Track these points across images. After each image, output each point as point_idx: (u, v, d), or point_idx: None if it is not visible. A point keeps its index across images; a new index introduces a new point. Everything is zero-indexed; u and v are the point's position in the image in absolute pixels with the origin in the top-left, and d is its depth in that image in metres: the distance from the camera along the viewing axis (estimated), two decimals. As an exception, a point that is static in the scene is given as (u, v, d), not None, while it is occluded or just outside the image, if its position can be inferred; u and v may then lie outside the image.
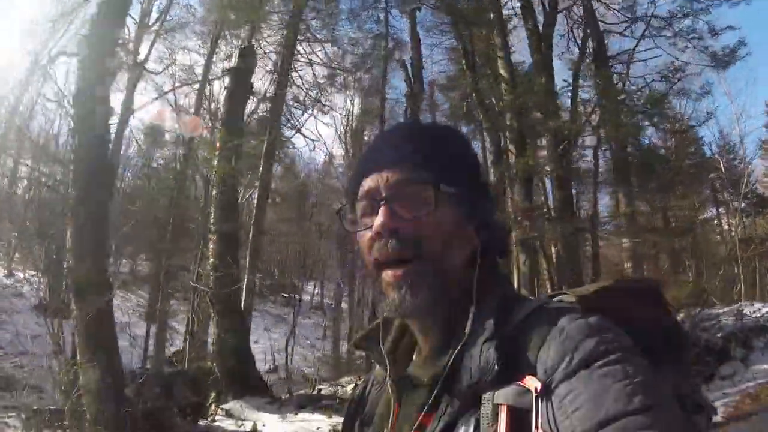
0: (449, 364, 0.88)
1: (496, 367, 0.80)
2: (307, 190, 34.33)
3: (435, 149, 1.00)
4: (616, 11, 17.10)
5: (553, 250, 13.44)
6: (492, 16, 14.41)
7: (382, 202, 0.95)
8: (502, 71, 13.96)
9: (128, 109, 14.05)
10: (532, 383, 0.77)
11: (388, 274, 0.96)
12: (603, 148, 16.46)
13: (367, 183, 1.00)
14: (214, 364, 12.87)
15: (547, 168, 13.29)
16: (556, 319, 0.84)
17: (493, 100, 15.20)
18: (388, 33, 17.08)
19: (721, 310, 13.29)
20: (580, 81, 16.58)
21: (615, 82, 16.04)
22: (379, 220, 0.94)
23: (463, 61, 15.86)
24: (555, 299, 0.94)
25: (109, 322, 8.24)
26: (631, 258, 15.37)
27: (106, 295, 8.29)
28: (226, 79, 11.15)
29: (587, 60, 17.01)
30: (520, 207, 11.92)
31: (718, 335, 11.57)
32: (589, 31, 16.53)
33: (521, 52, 18.56)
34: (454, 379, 0.87)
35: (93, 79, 8.54)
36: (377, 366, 1.11)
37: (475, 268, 0.95)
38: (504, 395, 0.79)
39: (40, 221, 24.70)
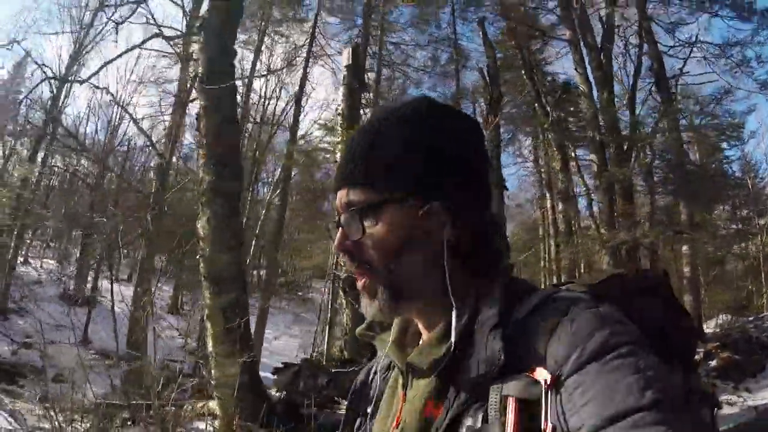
0: (450, 352, 0.87)
1: (502, 357, 0.80)
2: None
3: (373, 154, 0.99)
4: (670, 34, 17.49)
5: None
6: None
7: (337, 224, 1.01)
8: (581, 86, 14.26)
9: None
10: (542, 375, 0.77)
11: (357, 283, 1.01)
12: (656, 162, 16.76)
13: (335, 200, 1.04)
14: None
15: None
16: (566, 309, 0.83)
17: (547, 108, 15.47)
18: (457, 40, 17.36)
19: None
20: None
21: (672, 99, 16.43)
22: (335, 242, 1.01)
23: (522, 72, 16.13)
24: (564, 288, 0.95)
25: (245, 315, 8.15)
26: (688, 263, 15.62)
27: (243, 288, 8.22)
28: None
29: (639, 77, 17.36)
30: (621, 211, 12.28)
31: (764, 334, 13.36)
32: (645, 49, 16.85)
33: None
34: (459, 368, 0.86)
35: (218, 59, 8.51)
36: (381, 353, 1.12)
37: (460, 263, 0.96)
38: (513, 387, 0.79)
39: (71, 212, 24.34)
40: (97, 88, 15.57)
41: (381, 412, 1.06)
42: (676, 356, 0.86)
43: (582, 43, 15.90)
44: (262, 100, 24.46)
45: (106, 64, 15.63)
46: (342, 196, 1.00)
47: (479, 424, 0.80)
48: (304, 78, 18.49)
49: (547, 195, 17.32)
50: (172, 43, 16.14)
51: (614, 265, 13.16)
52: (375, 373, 1.14)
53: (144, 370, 14.32)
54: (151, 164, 26.68)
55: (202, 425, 9.57)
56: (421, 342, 1.03)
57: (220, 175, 8.16)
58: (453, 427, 0.83)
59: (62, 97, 19.64)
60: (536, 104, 15.91)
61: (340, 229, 0.99)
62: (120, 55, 15.41)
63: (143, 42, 15.72)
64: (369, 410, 1.09)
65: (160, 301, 27.89)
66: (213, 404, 10.11)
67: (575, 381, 0.74)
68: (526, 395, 0.77)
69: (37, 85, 18.33)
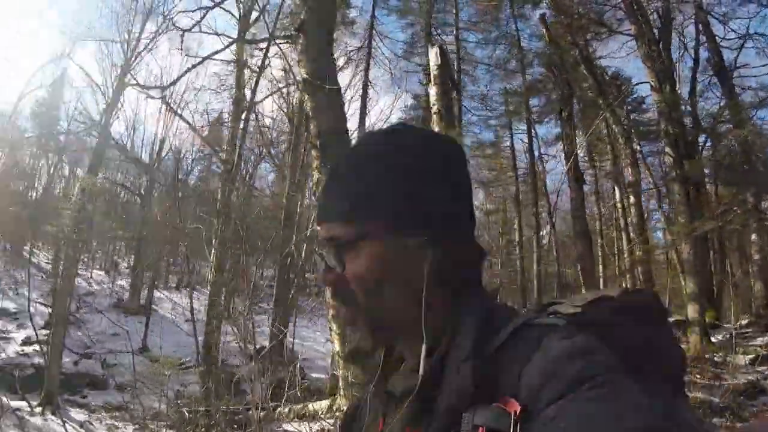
0: (419, 383, 0.88)
1: (471, 388, 0.80)
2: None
3: (350, 189, 0.99)
4: (728, 27, 17.42)
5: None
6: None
7: (321, 258, 1.02)
8: (651, 81, 14.28)
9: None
10: (513, 406, 0.76)
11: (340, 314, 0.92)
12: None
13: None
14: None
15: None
16: (540, 339, 0.81)
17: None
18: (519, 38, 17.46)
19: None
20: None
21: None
22: (319, 275, 1.04)
23: (582, 67, 16.15)
24: (551, 308, 0.92)
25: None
26: (758, 251, 15.51)
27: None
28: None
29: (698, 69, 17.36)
30: (721, 198, 12.35)
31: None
32: (705, 42, 16.84)
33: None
34: (436, 396, 0.86)
35: (320, 60, 8.54)
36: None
37: (442, 294, 0.95)
38: (483, 416, 0.77)
39: (120, 223, 24.59)
40: (154, 98, 15.56)
41: None
42: (664, 381, 0.84)
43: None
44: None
45: (185, 72, 15.58)
46: (323, 230, 1.01)
47: None
48: (366, 80, 18.54)
49: (616, 189, 17.25)
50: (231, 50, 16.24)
51: (694, 255, 13.32)
52: (366, 401, 1.13)
53: (218, 376, 14.39)
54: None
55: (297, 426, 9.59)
56: (404, 366, 1.04)
57: None
58: None
59: (114, 109, 19.67)
60: (600, 99, 15.79)
61: (324, 262, 1.01)
62: (196, 65, 15.32)
63: (222, 49, 15.70)
64: None
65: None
66: (313, 406, 10.12)
67: (552, 412, 0.72)
68: (496, 426, 0.76)
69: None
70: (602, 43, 18.02)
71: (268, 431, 10.96)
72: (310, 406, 10.84)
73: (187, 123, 16.56)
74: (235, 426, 11.81)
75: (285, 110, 21.27)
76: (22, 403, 17.27)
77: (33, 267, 26.08)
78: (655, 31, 16.10)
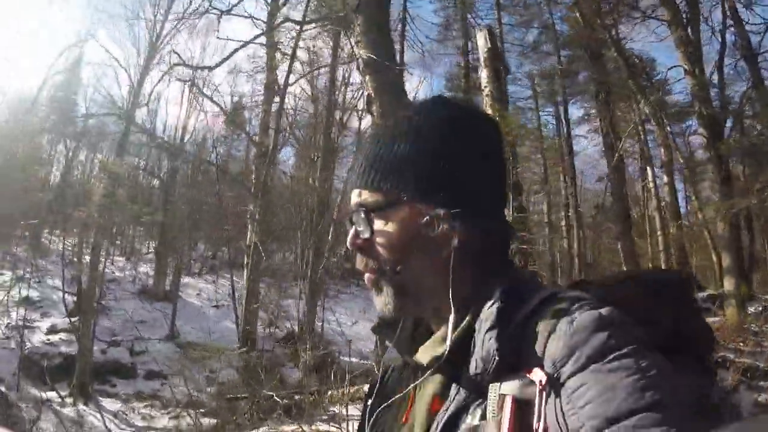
0: (447, 351, 0.89)
1: (496, 357, 0.80)
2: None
3: (387, 157, 1.01)
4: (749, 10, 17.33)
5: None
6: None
7: (349, 222, 1.04)
8: (684, 65, 14.47)
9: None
10: (537, 375, 0.76)
11: (365, 277, 1.03)
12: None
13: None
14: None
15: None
16: (566, 309, 0.81)
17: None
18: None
19: None
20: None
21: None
22: (348, 239, 1.04)
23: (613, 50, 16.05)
24: (569, 289, 0.92)
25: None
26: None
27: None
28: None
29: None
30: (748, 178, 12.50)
31: None
32: (731, 26, 16.87)
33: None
34: (464, 366, 0.87)
35: (379, 40, 8.41)
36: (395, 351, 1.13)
37: (471, 265, 0.97)
38: (509, 386, 0.78)
39: (143, 208, 24.36)
40: (185, 82, 15.23)
41: (392, 408, 1.06)
42: (687, 361, 0.83)
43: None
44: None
45: (231, 55, 15.26)
46: (355, 196, 1.03)
47: (477, 421, 0.81)
48: (402, 62, 18.19)
49: (648, 169, 17.12)
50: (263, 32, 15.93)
51: (729, 231, 13.50)
52: (393, 370, 1.15)
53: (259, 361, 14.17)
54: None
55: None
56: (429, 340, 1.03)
57: None
58: (453, 422, 0.85)
59: (145, 92, 19.42)
60: (631, 81, 15.76)
61: (352, 229, 1.03)
62: (238, 48, 14.97)
63: (262, 34, 15.33)
64: (384, 406, 1.09)
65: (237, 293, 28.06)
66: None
67: (575, 382, 0.73)
68: (522, 395, 0.77)
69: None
70: (627, 27, 18.00)
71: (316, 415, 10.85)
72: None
73: (219, 107, 16.30)
74: (281, 411, 11.69)
75: (310, 93, 20.94)
76: (51, 394, 17.25)
77: (54, 254, 25.97)
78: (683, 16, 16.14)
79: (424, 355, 0.97)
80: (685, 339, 0.86)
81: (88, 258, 20.63)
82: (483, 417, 0.81)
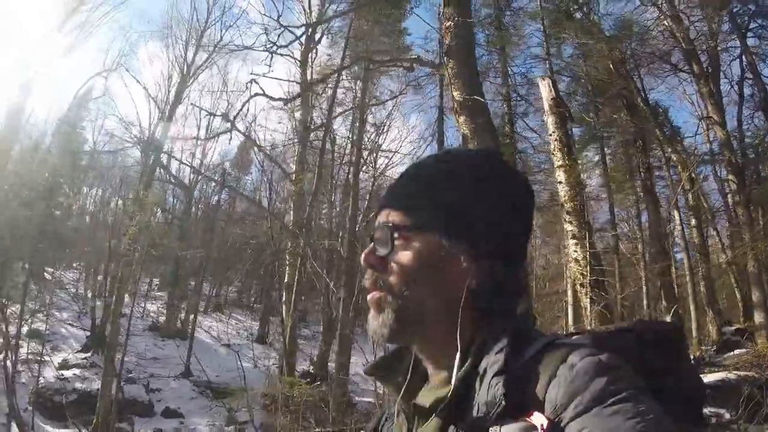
0: (451, 393, 0.89)
1: (503, 403, 0.80)
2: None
3: (421, 187, 1.06)
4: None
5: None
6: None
7: (370, 239, 1.07)
8: (714, 116, 15.68)
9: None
10: (539, 420, 0.77)
11: (368, 296, 1.04)
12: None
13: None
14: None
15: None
16: (566, 355, 0.83)
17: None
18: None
19: None
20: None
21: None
22: (363, 254, 1.06)
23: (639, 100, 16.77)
24: (567, 337, 0.96)
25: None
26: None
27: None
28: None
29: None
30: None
31: None
32: (749, 79, 17.74)
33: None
34: (463, 410, 0.87)
35: (469, 82, 8.82)
36: (387, 391, 1.15)
37: (472, 304, 0.97)
38: (510, 430, 0.79)
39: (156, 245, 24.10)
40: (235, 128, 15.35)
41: None
42: (685, 409, 0.86)
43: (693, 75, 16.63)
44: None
45: (250, 97, 15.41)
46: (384, 215, 1.06)
47: None
48: (441, 108, 18.59)
49: (675, 214, 17.73)
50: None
51: (758, 268, 14.17)
52: (386, 419, 1.15)
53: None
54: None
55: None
56: (428, 383, 1.05)
57: None
58: None
59: (170, 124, 19.48)
60: (657, 130, 16.59)
61: (370, 245, 1.05)
62: (276, 102, 15.07)
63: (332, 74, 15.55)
64: None
65: (245, 332, 27.79)
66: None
67: (576, 426, 0.74)
68: None
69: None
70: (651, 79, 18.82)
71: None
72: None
73: (257, 146, 16.43)
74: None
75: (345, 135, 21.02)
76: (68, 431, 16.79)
77: (55, 287, 25.42)
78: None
79: (427, 397, 0.97)
80: (678, 386, 0.88)
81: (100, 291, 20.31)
82: None
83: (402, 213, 1.03)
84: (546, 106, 11.39)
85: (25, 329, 21.78)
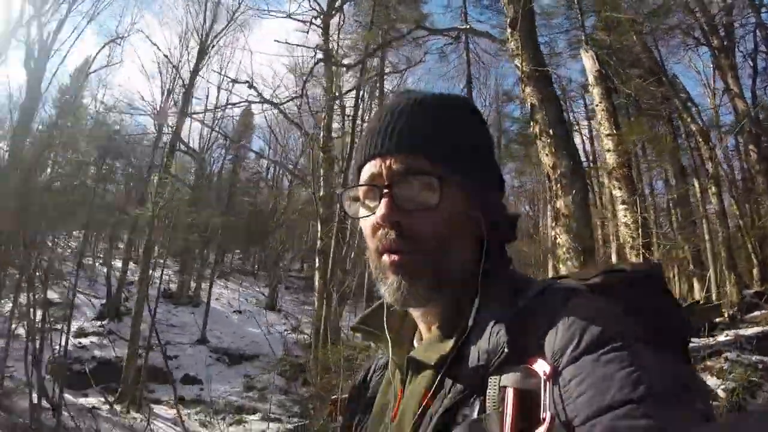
0: (456, 346, 0.87)
1: (505, 350, 0.80)
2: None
3: (441, 130, 0.97)
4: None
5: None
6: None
7: (384, 191, 0.93)
8: (735, 88, 16.50)
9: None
10: (541, 367, 0.77)
11: (387, 258, 0.94)
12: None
13: (370, 168, 0.97)
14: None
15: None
16: (563, 301, 0.83)
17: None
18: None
19: None
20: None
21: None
22: (380, 211, 0.92)
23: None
24: (560, 281, 0.94)
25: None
26: None
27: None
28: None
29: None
30: None
31: None
32: (765, 55, 18.33)
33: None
34: (460, 361, 0.86)
35: (535, 56, 9.10)
36: (378, 351, 1.13)
37: (481, 254, 0.94)
38: (512, 378, 0.78)
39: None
40: (250, 86, 15.20)
41: (377, 407, 1.06)
42: (670, 348, 0.83)
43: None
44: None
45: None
46: (394, 162, 0.94)
47: (476, 414, 0.80)
48: (470, 76, 18.56)
49: (695, 181, 18.18)
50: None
51: None
52: (373, 372, 1.15)
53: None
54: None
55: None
56: (416, 339, 1.04)
57: (573, 159, 8.81)
58: (447, 416, 0.83)
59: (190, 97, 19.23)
60: (677, 100, 16.97)
61: (386, 199, 0.92)
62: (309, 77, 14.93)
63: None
64: (367, 407, 1.09)
65: (253, 298, 27.85)
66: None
67: (571, 372, 0.75)
68: (524, 386, 0.77)
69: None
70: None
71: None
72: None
73: (296, 124, 16.29)
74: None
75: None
76: (90, 400, 16.73)
77: (56, 257, 25.05)
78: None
79: (428, 354, 0.92)
80: (665, 329, 0.86)
81: (118, 263, 20.20)
82: (482, 410, 0.80)
83: (426, 161, 0.93)
84: (590, 78, 11.56)
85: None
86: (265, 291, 27.75)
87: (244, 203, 29.63)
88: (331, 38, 17.06)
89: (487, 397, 0.79)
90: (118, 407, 15.82)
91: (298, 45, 17.25)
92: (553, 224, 9.41)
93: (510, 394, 0.76)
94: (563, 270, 9.94)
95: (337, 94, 16.46)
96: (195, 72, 19.13)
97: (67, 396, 17.22)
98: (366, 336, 1.10)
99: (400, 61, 20.54)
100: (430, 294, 0.93)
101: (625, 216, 10.75)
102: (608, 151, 10.92)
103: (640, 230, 10.65)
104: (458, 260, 0.93)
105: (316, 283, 15.35)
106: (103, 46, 23.19)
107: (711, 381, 7.95)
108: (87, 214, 21.38)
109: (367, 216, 0.96)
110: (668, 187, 19.67)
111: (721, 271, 16.21)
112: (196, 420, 15.72)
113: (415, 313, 1.02)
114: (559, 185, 9.07)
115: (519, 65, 9.57)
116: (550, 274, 18.89)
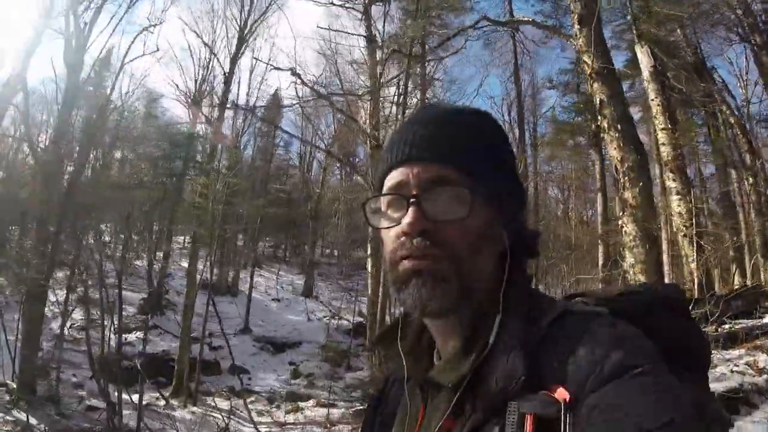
0: (474, 367, 0.85)
1: (522, 377, 0.78)
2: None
3: (470, 141, 0.95)
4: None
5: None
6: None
7: (411, 200, 0.90)
8: None
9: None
10: (562, 394, 0.76)
11: (409, 263, 0.91)
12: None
13: (395, 176, 0.95)
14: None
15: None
16: (584, 326, 0.82)
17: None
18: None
19: None
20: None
21: None
22: (407, 219, 0.90)
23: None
24: (576, 300, 0.93)
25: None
26: None
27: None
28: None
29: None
30: None
31: None
32: None
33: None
34: (479, 384, 0.84)
35: (602, 52, 9.32)
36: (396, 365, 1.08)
37: (503, 271, 0.92)
38: (531, 405, 0.77)
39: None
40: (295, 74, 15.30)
41: (397, 424, 1.03)
42: (691, 373, 0.85)
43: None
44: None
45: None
46: (423, 170, 0.92)
47: None
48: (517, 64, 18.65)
49: (733, 172, 18.45)
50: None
51: None
52: (392, 383, 1.11)
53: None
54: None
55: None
56: (435, 357, 1.00)
57: (639, 153, 9.25)
58: None
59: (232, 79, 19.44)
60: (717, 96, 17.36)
61: (414, 207, 0.89)
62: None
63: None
64: (386, 421, 1.07)
65: (289, 286, 28.14)
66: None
67: (594, 399, 0.73)
68: (543, 413, 0.76)
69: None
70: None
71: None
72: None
73: (351, 117, 16.40)
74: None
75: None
76: (134, 396, 16.89)
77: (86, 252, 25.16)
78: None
79: (445, 375, 0.89)
80: (689, 352, 0.87)
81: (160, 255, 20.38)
82: None
83: (457, 172, 0.91)
84: (646, 74, 11.79)
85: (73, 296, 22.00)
86: (300, 278, 28.00)
87: (276, 191, 29.82)
88: (373, 24, 17.15)
89: (507, 423, 0.78)
90: (174, 402, 16.06)
91: (342, 32, 17.30)
92: (620, 214, 9.87)
93: (529, 420, 0.76)
94: (629, 257, 10.47)
95: (382, 81, 16.62)
96: (234, 59, 19.26)
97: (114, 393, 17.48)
98: (384, 353, 1.08)
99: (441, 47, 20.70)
100: (452, 302, 0.89)
101: (679, 206, 11.12)
102: (662, 144, 11.19)
103: (693, 219, 11.08)
104: (484, 271, 0.91)
105: (369, 269, 15.55)
106: (138, 35, 22.54)
107: (762, 358, 8.34)
108: (136, 209, 21.66)
109: (391, 227, 0.94)
110: (715, 178, 20.06)
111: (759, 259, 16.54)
112: (252, 410, 15.71)
113: (433, 327, 0.98)
114: (626, 178, 9.55)
115: (587, 61, 9.77)
116: (600, 261, 19.55)
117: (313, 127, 23.00)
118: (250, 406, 16.02)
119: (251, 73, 25.34)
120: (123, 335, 19.77)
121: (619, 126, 9.32)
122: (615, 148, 9.46)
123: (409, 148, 0.94)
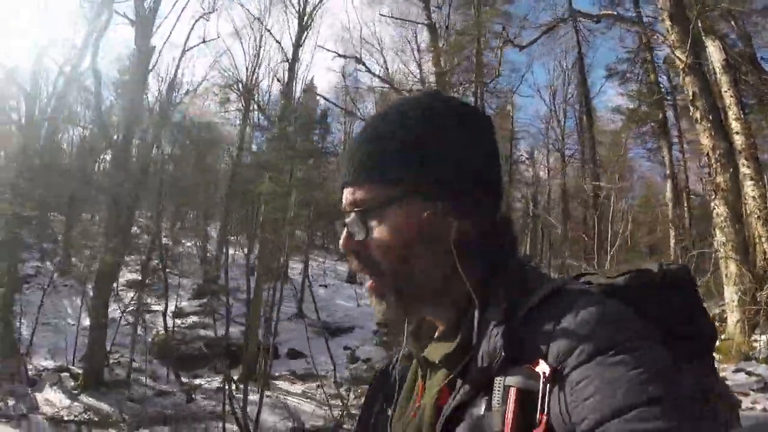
0: (462, 344, 0.87)
1: (502, 353, 0.80)
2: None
3: (387, 148, 0.95)
4: None
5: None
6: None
7: (344, 225, 0.97)
8: None
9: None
10: (541, 368, 0.77)
11: (365, 282, 0.99)
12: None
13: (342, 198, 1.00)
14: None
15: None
16: (572, 303, 0.81)
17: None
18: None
19: None
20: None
21: None
22: (340, 242, 0.98)
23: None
24: (581, 280, 0.94)
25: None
26: None
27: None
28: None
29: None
30: None
31: None
32: None
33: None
34: (470, 361, 0.86)
35: (693, 48, 9.83)
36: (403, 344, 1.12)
37: (468, 260, 0.92)
38: (514, 379, 0.78)
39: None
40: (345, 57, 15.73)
41: (401, 400, 1.05)
42: (693, 354, 0.84)
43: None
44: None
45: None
46: (348, 194, 0.97)
47: (481, 411, 0.81)
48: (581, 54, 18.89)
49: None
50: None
51: None
52: (397, 360, 1.13)
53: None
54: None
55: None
56: (435, 335, 1.02)
57: (728, 141, 10.62)
58: (458, 413, 0.85)
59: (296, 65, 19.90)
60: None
61: (344, 230, 0.96)
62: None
63: None
64: (388, 397, 1.09)
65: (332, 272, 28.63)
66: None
67: (579, 375, 0.74)
68: (527, 386, 0.77)
69: None
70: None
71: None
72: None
73: (391, 85, 16.72)
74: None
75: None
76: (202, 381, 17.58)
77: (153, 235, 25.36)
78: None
79: (436, 352, 0.93)
80: (689, 331, 0.86)
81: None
82: (488, 408, 0.80)
83: (367, 188, 0.94)
84: (718, 66, 12.33)
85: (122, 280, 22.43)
86: (342, 264, 28.18)
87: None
88: (433, 12, 17.45)
89: (493, 397, 0.80)
90: (247, 386, 15.97)
91: (406, 20, 17.69)
92: (713, 197, 11.18)
93: (512, 393, 0.77)
94: (719, 236, 11.20)
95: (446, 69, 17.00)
96: (297, 45, 19.68)
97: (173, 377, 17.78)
98: (391, 330, 1.30)
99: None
100: (395, 314, 0.96)
101: (753, 190, 11.72)
102: (736, 133, 11.77)
103: (766, 203, 11.75)
104: (420, 277, 0.93)
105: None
106: (197, 20, 23.02)
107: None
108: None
109: None
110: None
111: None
112: (326, 394, 16.10)
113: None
114: (718, 164, 10.76)
115: (681, 57, 10.32)
116: (672, 242, 20.01)
117: (355, 104, 23.44)
118: (321, 390, 16.40)
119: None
120: (180, 319, 20.61)
121: (710, 116, 9.99)
122: (707, 137, 10.18)
123: (344, 171, 0.99)
